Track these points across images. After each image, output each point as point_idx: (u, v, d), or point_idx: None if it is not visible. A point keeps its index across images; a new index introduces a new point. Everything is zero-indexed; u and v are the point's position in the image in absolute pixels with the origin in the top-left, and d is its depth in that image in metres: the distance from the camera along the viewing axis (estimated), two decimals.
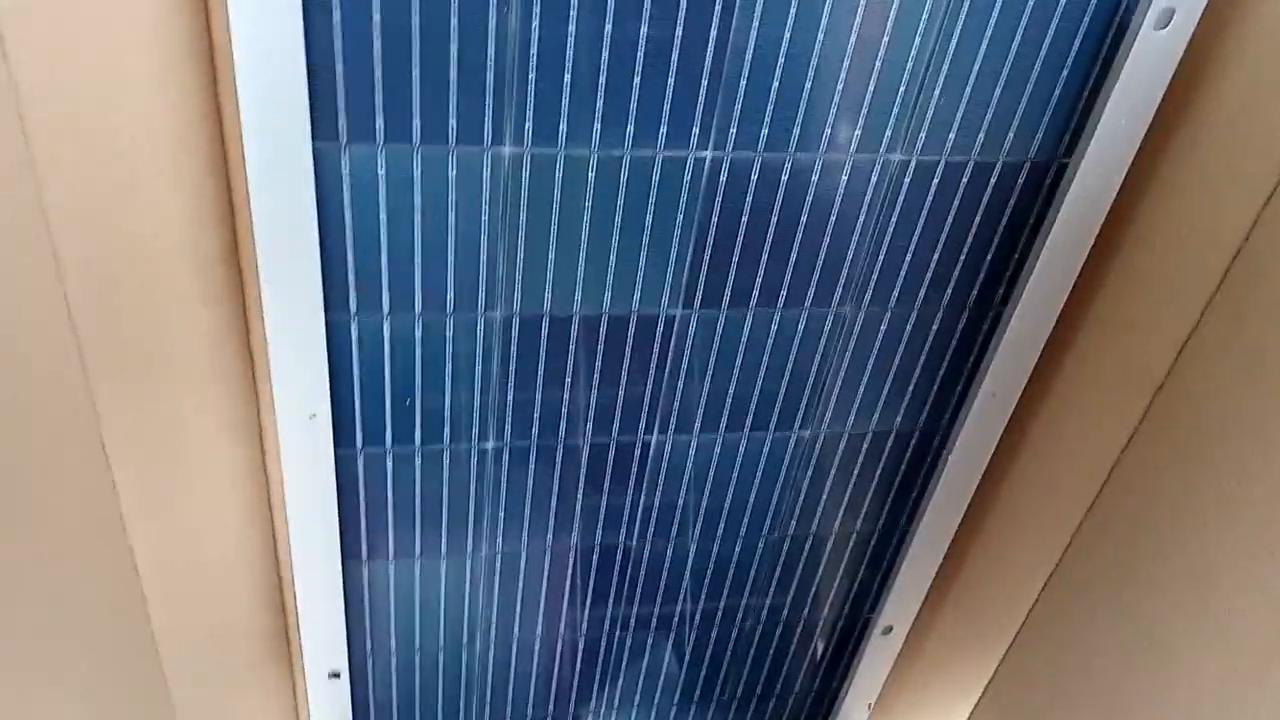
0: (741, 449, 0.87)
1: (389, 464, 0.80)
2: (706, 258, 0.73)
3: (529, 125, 0.64)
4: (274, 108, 0.57)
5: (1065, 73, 0.69)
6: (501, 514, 0.86)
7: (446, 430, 0.78)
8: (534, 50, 0.61)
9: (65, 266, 0.63)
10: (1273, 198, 0.67)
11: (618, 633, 1.01)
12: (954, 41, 0.66)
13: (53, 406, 0.66)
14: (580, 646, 1.01)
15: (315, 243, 0.64)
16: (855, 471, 0.92)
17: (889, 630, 1.04)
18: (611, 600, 0.97)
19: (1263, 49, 0.66)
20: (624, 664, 1.04)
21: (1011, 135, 0.71)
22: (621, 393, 0.80)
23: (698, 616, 1.01)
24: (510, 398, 0.78)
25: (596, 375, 0.78)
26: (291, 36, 0.55)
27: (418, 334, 0.72)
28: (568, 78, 0.62)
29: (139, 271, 0.65)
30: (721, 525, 0.93)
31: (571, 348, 0.76)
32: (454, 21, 0.59)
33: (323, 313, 0.67)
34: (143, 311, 0.66)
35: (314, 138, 0.60)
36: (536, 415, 0.80)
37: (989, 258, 0.78)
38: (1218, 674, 0.70)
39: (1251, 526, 0.68)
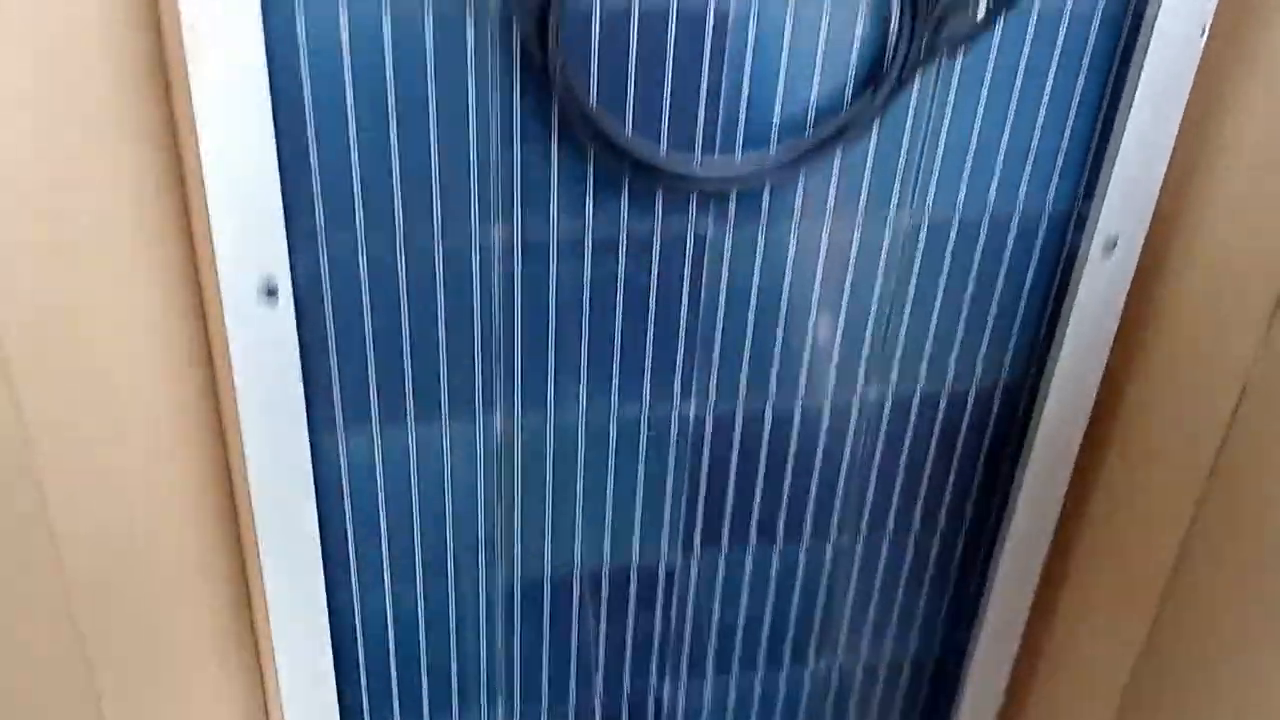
0: (757, 688, 0.85)
1: None
2: (701, 504, 0.74)
3: (517, 398, 0.66)
4: (271, 405, 0.60)
5: (1024, 300, 0.72)
6: None
7: (455, 706, 0.77)
8: (518, 324, 0.64)
9: (70, 576, 0.64)
10: (1244, 395, 0.69)
11: None
12: (911, 286, 0.69)
13: (56, 707, 0.66)
14: None
15: (315, 530, 0.65)
16: (876, 702, 0.90)
17: None
18: None
19: (1210, 256, 0.69)
20: None
21: (980, 362, 0.74)
22: (629, 644, 0.79)
23: None
24: (518, 666, 0.77)
25: (602, 630, 0.78)
26: (286, 332, 0.59)
27: (419, 609, 0.72)
28: (551, 352, 0.65)
29: (141, 574, 0.66)
30: None
31: (575, 607, 0.76)
32: (441, 304, 0.62)
33: (324, 597, 0.68)
34: (143, 602, 0.67)
35: (310, 430, 0.63)
36: (545, 678, 0.79)
37: (977, 478, 0.79)
38: None
39: None
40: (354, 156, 0.56)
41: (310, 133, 0.55)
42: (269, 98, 0.52)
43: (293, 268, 0.57)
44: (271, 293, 0.56)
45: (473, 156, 0.58)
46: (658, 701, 0.83)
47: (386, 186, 0.57)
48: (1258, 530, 0.68)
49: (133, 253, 0.58)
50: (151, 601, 0.68)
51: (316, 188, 0.56)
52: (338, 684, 0.72)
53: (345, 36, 0.53)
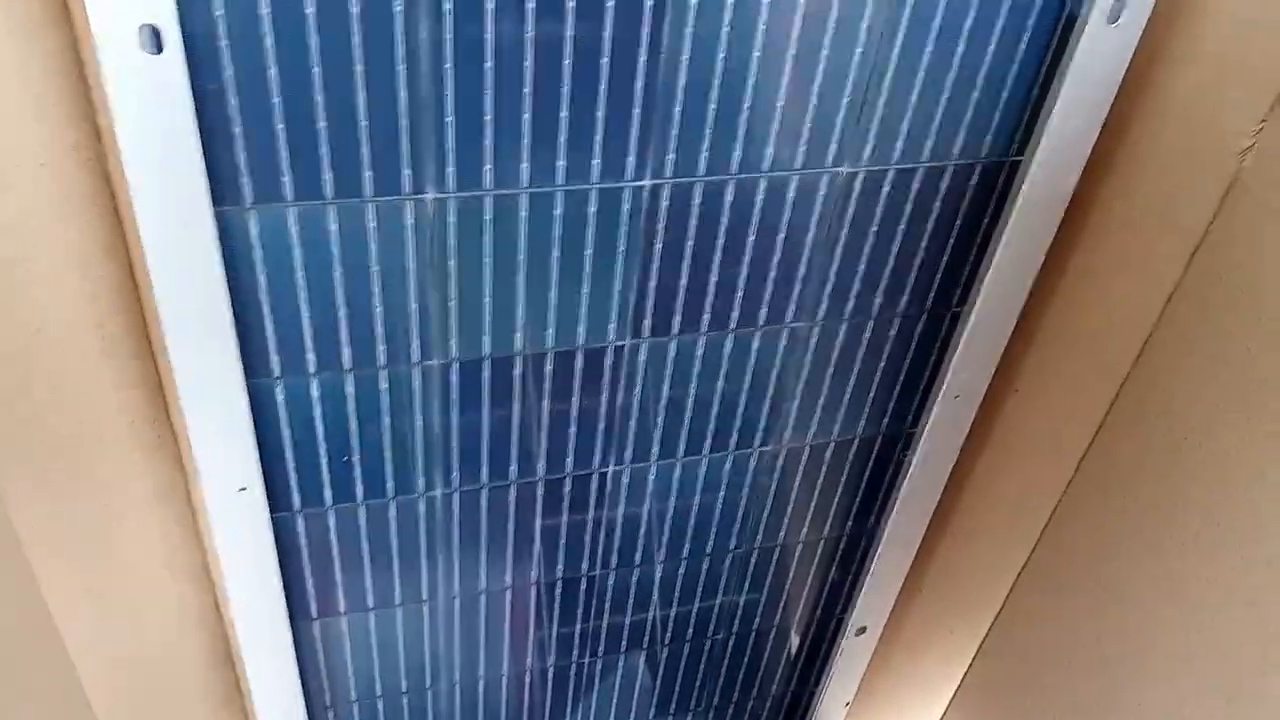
0: (702, 472, 0.84)
1: (331, 522, 0.75)
2: (652, 286, 0.69)
3: (451, 170, 0.59)
4: (166, 177, 0.52)
5: (1014, 70, 0.65)
6: (457, 558, 0.82)
7: (390, 484, 0.74)
8: (449, 90, 0.56)
9: None
10: (1232, 188, 0.65)
11: (587, 658, 0.97)
12: (896, 48, 0.62)
13: None
14: (550, 674, 0.97)
15: (226, 311, 0.59)
16: (820, 481, 0.89)
17: (863, 631, 1.02)
18: (579, 628, 0.93)
19: (1217, 39, 0.63)
20: (596, 685, 1.01)
21: (961, 138, 0.68)
22: (574, 428, 0.76)
23: (669, 633, 0.98)
24: (455, 444, 0.74)
25: (545, 413, 0.74)
26: (181, 102, 0.50)
27: (349, 391, 0.68)
28: (488, 116, 0.58)
29: (43, 363, 0.59)
30: (687, 546, 0.90)
31: (517, 387, 0.72)
32: (359, 68, 0.54)
33: (242, 381, 0.63)
34: (53, 403, 0.61)
35: (216, 202, 0.55)
36: (485, 458, 0.76)
37: (945, 261, 0.75)
38: (1191, 669, 0.69)
39: (1220, 519, 0.66)
40: None
41: None
42: None
43: (181, 12, 0.48)
44: (156, 39, 0.47)
45: None
46: (602, 478, 0.81)
47: None
48: (1235, 320, 0.65)
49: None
50: (61, 403, 0.63)
51: None
52: (265, 471, 0.68)
53: None
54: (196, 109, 0.51)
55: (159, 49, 0.47)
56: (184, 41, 0.48)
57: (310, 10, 0.51)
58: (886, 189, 0.69)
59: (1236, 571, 0.65)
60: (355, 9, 0.51)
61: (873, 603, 1.00)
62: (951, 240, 0.73)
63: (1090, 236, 0.74)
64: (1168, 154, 0.67)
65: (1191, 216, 0.66)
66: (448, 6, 0.53)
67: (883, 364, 0.81)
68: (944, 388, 0.81)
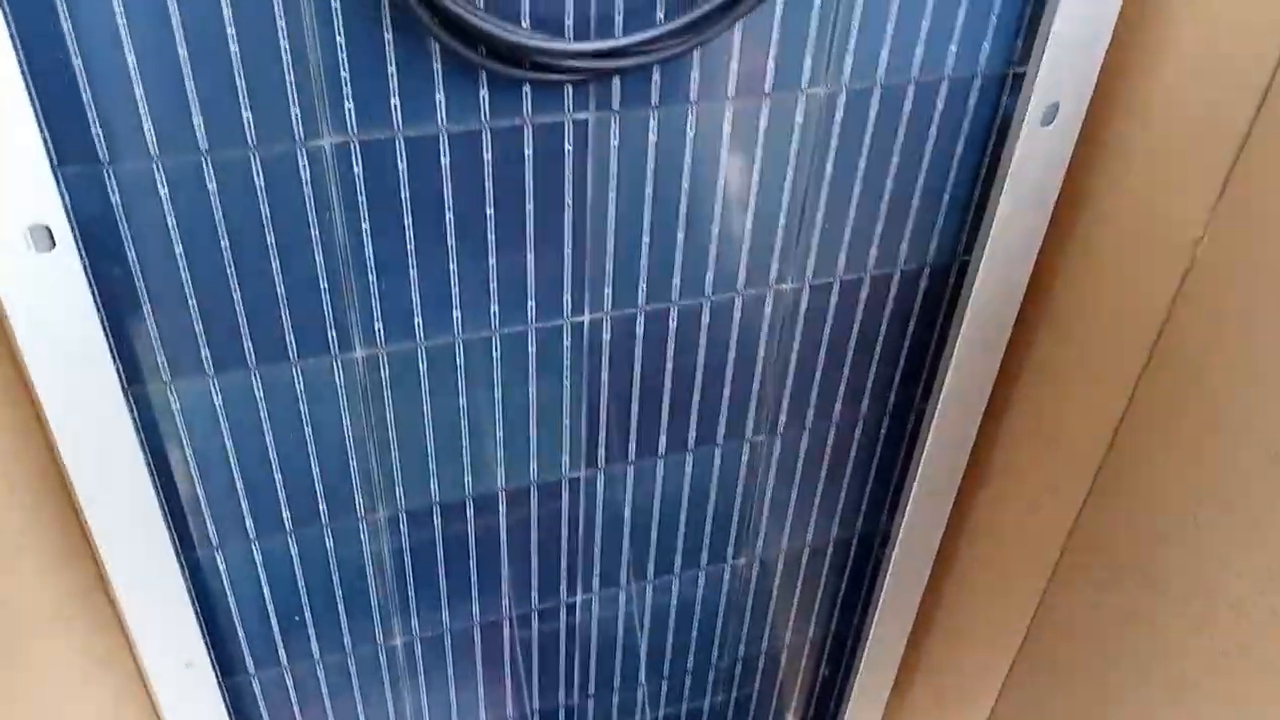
0: (675, 590, 0.81)
1: (289, 681, 0.72)
2: (604, 419, 0.67)
3: (378, 325, 0.57)
4: (71, 364, 0.50)
5: (953, 175, 0.64)
6: (426, 705, 0.79)
7: (347, 638, 0.71)
8: (368, 247, 0.54)
9: None
10: (1187, 277, 0.63)
11: None
12: (829, 163, 0.60)
13: None
14: None
15: (150, 491, 0.56)
16: (799, 586, 0.86)
17: None
18: None
19: (1158, 131, 0.61)
20: None
21: (905, 244, 0.66)
22: (535, 561, 0.73)
23: None
24: (412, 591, 0.71)
25: (504, 549, 0.71)
26: (78, 291, 0.48)
27: (294, 552, 0.65)
28: (413, 271, 0.56)
29: None
30: (668, 665, 0.87)
31: (471, 528, 0.69)
32: (270, 238, 0.52)
33: (177, 558, 0.60)
34: None
35: (131, 381, 0.53)
36: (444, 602, 0.73)
37: (902, 363, 0.73)
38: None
39: (1203, 603, 0.63)
40: (133, 70, 0.44)
41: (74, 47, 0.43)
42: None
43: (69, 206, 0.46)
44: (48, 237, 0.45)
45: (285, 52, 0.46)
46: (570, 609, 0.78)
47: (179, 99, 0.46)
48: (1199, 411, 0.62)
49: None
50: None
51: (91, 113, 0.45)
52: (212, 641, 0.65)
53: None
54: (100, 293, 0.49)
55: (51, 245, 0.45)
56: (79, 231, 0.46)
57: (212, 186, 0.49)
58: (834, 300, 0.67)
59: (1230, 656, 0.62)
60: (260, 180, 0.50)
61: (863, 703, 0.96)
62: (907, 342, 0.72)
63: (1049, 328, 0.72)
64: (1119, 247, 0.65)
65: (1149, 307, 0.65)
66: (358, 170, 0.51)
67: (850, 467, 0.78)
68: (915, 485, 0.79)
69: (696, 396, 0.69)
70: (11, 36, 0.41)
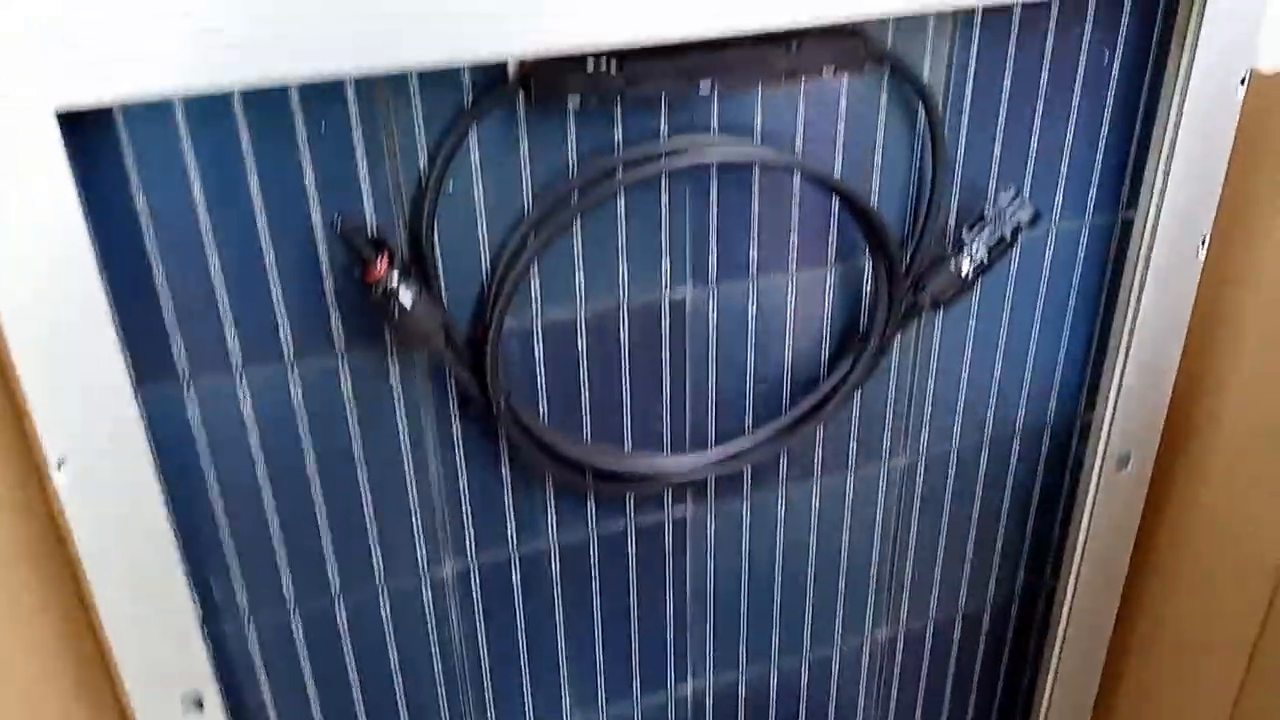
0: None
1: None
2: None
3: (491, 714, 0.59)
4: None
5: (1033, 514, 0.66)
6: None
7: None
8: (483, 653, 0.56)
9: None
10: (1275, 598, 0.64)
11: None
12: (914, 517, 0.63)
13: None
14: None
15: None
16: None
17: None
18: None
19: (1232, 461, 0.64)
20: None
21: (991, 583, 0.68)
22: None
23: None
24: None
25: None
26: None
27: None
28: (525, 674, 0.58)
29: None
30: None
31: None
32: (393, 655, 0.54)
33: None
34: None
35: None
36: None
37: (998, 699, 0.73)
38: None
39: None
40: (274, 533, 0.48)
41: (220, 512, 0.47)
42: (162, 492, 0.44)
43: (219, 674, 0.49)
44: (198, 705, 0.47)
45: (413, 498, 0.50)
46: None
47: (315, 550, 0.50)
48: None
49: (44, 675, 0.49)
50: None
51: (236, 575, 0.48)
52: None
53: (250, 424, 0.45)
54: None
55: (200, 708, 0.48)
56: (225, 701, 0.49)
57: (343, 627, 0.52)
58: (929, 643, 0.68)
59: None
60: (385, 605, 0.53)
61: None
62: (1001, 676, 0.72)
63: (1139, 652, 0.72)
64: (1204, 572, 0.67)
65: (1239, 629, 0.65)
66: (475, 583, 0.54)
67: None
68: None
69: None
70: None
